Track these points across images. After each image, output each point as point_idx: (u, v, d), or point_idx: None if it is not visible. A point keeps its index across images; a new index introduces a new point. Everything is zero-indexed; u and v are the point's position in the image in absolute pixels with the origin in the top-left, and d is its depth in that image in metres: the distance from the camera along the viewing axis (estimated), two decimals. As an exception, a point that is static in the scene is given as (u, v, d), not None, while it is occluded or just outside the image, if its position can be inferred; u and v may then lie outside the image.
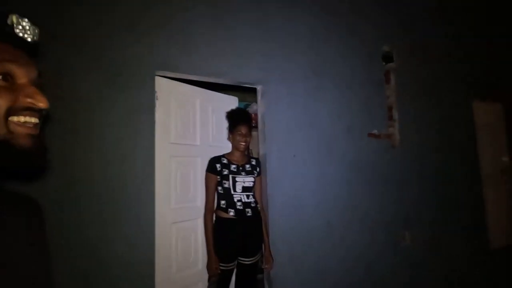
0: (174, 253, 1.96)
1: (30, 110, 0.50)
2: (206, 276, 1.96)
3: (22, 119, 0.49)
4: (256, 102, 2.45)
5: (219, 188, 1.97)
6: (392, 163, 2.78)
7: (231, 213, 1.93)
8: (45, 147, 0.53)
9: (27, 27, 0.52)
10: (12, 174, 0.54)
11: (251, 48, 2.22)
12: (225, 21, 2.14)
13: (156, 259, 1.76)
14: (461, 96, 3.43)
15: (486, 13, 3.77)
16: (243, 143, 2.00)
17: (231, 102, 2.41)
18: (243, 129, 2.00)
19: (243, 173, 2.01)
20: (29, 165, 0.51)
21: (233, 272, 1.96)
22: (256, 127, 2.41)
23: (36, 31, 0.53)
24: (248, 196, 1.99)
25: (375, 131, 2.73)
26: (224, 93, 2.43)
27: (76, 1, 1.69)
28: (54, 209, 1.48)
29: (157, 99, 1.88)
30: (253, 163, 2.09)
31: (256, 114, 2.43)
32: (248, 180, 2.00)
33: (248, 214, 1.96)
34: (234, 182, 1.96)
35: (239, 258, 1.95)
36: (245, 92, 2.67)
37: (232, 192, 1.95)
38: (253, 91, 2.34)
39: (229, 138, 2.10)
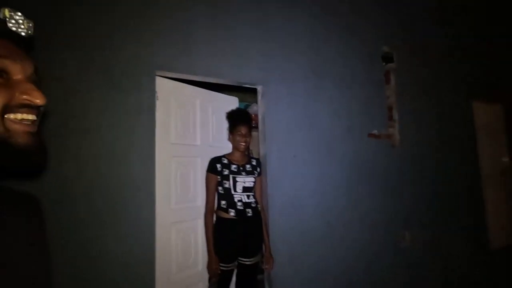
0: (174, 253, 1.95)
1: (27, 107, 0.48)
2: (206, 276, 1.95)
3: (19, 116, 0.47)
4: (256, 102, 2.45)
5: (220, 188, 1.96)
6: (392, 163, 2.78)
7: (232, 213, 1.93)
8: (44, 145, 0.51)
9: (21, 21, 0.50)
10: (10, 174, 0.52)
11: (251, 48, 2.22)
12: (225, 21, 2.14)
13: (156, 259, 1.76)
14: (461, 96, 3.44)
15: (486, 13, 3.77)
16: (243, 144, 2.00)
17: (231, 102, 2.40)
18: (243, 130, 2.00)
19: (243, 173, 2.01)
20: (28, 164, 0.50)
21: (233, 272, 1.96)
22: (256, 127, 2.41)
23: (31, 24, 0.51)
24: (248, 196, 1.99)
25: (375, 131, 2.73)
26: (224, 94, 2.43)
27: (76, 1, 1.69)
28: (53, 210, 1.48)
29: (157, 99, 1.87)
30: (254, 163, 2.09)
31: (256, 115, 2.43)
32: (248, 180, 2.00)
33: (249, 214, 1.96)
34: (235, 182, 1.96)
35: (240, 258, 1.95)
36: (245, 92, 2.67)
37: (233, 192, 1.95)
38: (253, 91, 2.34)
39: (229, 139, 2.09)
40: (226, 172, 1.96)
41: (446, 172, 3.14)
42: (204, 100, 2.24)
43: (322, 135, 2.46)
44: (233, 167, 2.00)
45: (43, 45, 1.56)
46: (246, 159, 2.09)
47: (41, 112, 0.52)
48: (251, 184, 2.01)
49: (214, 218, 1.97)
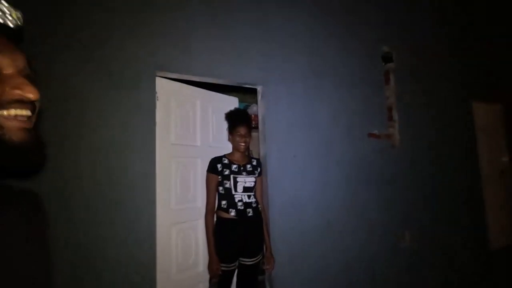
0: (174, 254, 1.95)
1: (20, 102, 0.46)
2: (207, 277, 1.95)
3: (12, 112, 0.45)
4: (256, 102, 2.45)
5: (220, 188, 1.96)
6: (392, 163, 2.79)
7: (232, 213, 1.93)
8: (42, 142, 0.49)
9: (8, 12, 0.47)
10: (7, 173, 0.50)
11: (251, 48, 2.22)
12: (225, 22, 2.14)
13: (156, 260, 1.76)
14: (461, 96, 3.44)
15: (486, 13, 3.78)
16: (243, 144, 2.00)
17: (231, 102, 2.40)
18: (242, 130, 2.00)
19: (244, 173, 2.01)
20: (24, 163, 0.48)
21: (234, 272, 1.95)
22: (256, 127, 2.40)
23: (19, 15, 0.48)
24: (249, 196, 1.99)
25: (375, 131, 2.73)
26: (224, 94, 2.43)
27: (76, 2, 1.69)
28: (53, 210, 1.48)
29: (157, 99, 1.87)
30: (254, 163, 2.09)
31: (256, 115, 2.43)
32: (249, 180, 2.00)
33: (249, 215, 1.96)
34: (235, 182, 1.96)
35: (240, 258, 1.95)
36: (245, 93, 2.67)
37: (233, 192, 1.95)
38: (253, 91, 2.34)
39: (229, 139, 2.09)
40: (226, 172, 1.96)
41: (446, 172, 3.14)
42: (204, 101, 2.24)
43: (322, 135, 2.46)
44: (234, 167, 1.99)
45: (43, 44, 1.56)
46: (247, 159, 2.09)
47: (38, 108, 0.50)
48: (252, 184, 2.01)
49: (215, 219, 1.97)
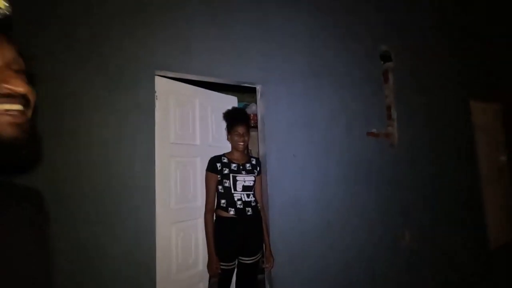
0: (174, 253, 1.95)
1: (10, 96, 0.44)
2: (207, 276, 1.95)
3: (3, 106, 0.44)
4: (255, 102, 2.45)
5: (220, 187, 1.96)
6: (391, 162, 2.79)
7: (231, 212, 1.93)
8: (36, 137, 0.48)
9: None
10: (1, 169, 0.49)
11: (250, 48, 2.22)
12: (225, 21, 2.15)
13: (156, 260, 1.75)
14: (459, 95, 3.46)
15: (484, 12, 3.80)
16: (241, 143, 2.00)
17: (231, 102, 2.40)
18: (240, 129, 2.00)
19: (243, 172, 2.01)
20: (16, 158, 0.46)
21: (233, 271, 1.95)
22: (254, 127, 2.40)
23: (7, 4, 0.46)
24: (248, 195, 1.99)
25: (374, 130, 2.74)
26: (224, 93, 2.43)
27: (74, 1, 1.68)
28: (51, 210, 1.46)
29: (156, 99, 1.87)
30: (253, 162, 2.09)
31: (255, 114, 2.43)
32: (248, 179, 2.00)
33: (249, 213, 1.95)
34: (235, 181, 1.96)
35: (240, 257, 1.95)
36: (244, 92, 2.67)
37: (233, 191, 1.95)
38: (252, 91, 2.34)
39: (228, 139, 2.09)
40: (226, 171, 1.96)
41: (445, 171, 3.15)
42: (203, 100, 2.24)
43: (321, 134, 2.47)
44: (233, 166, 1.99)
45: (42, 44, 1.56)
46: (246, 158, 2.09)
47: (32, 102, 0.48)
48: (251, 183, 2.01)
49: (214, 218, 1.97)
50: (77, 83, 1.64)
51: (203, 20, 2.06)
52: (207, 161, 2.00)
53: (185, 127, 2.10)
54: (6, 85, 0.44)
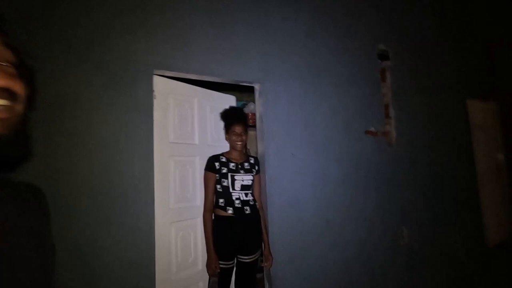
0: (174, 253, 1.95)
1: None
2: (206, 275, 1.95)
3: None
4: (253, 101, 2.45)
5: (218, 186, 1.96)
6: (389, 161, 2.80)
7: (230, 211, 1.93)
8: (23, 132, 0.47)
9: None
10: None
11: (248, 47, 2.22)
12: (223, 20, 2.14)
13: (156, 259, 1.75)
14: (456, 94, 3.47)
15: (482, 12, 3.82)
16: (239, 143, 2.00)
17: (229, 101, 2.41)
18: (238, 129, 2.00)
19: (241, 171, 2.01)
20: (2, 154, 0.44)
21: (233, 270, 1.96)
22: (253, 126, 2.40)
23: None
24: (246, 194, 1.99)
25: (372, 129, 2.75)
26: (222, 92, 2.43)
27: (74, 1, 1.68)
28: (51, 210, 1.46)
29: (155, 98, 1.87)
30: (252, 161, 2.10)
31: (253, 113, 2.43)
32: (247, 179, 2.00)
33: (247, 212, 1.96)
34: (233, 180, 1.96)
35: (238, 256, 1.95)
36: (242, 91, 2.67)
37: (231, 190, 1.95)
38: (251, 90, 2.34)
39: (226, 138, 2.10)
40: (224, 170, 1.96)
41: (442, 169, 3.17)
42: (202, 99, 2.24)
43: (320, 133, 2.47)
44: (232, 165, 2.00)
45: (40, 43, 1.55)
46: (244, 157, 2.09)
47: (21, 97, 0.46)
48: (249, 182, 2.01)
49: (213, 217, 1.97)
50: (74, 82, 1.63)
51: (201, 19, 2.06)
52: (206, 160, 2.01)
53: (184, 126, 2.10)
54: None
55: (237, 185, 1.97)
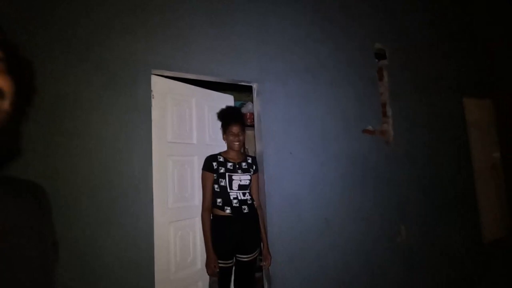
0: (173, 252, 1.95)
1: None
2: (205, 275, 1.95)
3: None
4: (251, 100, 2.45)
5: (216, 186, 1.97)
6: (386, 159, 2.82)
7: (227, 210, 1.93)
8: (11, 129, 0.46)
9: None
10: None
11: (246, 46, 2.23)
12: (222, 20, 2.15)
13: (155, 259, 1.75)
14: (453, 92, 3.50)
15: (478, 11, 3.84)
16: (237, 143, 2.01)
17: (227, 100, 2.41)
18: (235, 129, 2.00)
19: (239, 171, 2.01)
20: None
21: (232, 269, 1.96)
22: (250, 125, 2.41)
23: None
24: (244, 194, 2.00)
25: (369, 127, 2.77)
26: (220, 92, 2.44)
27: (73, 1, 1.67)
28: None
29: (153, 97, 1.87)
30: (249, 161, 2.10)
31: (251, 113, 2.43)
32: (244, 178, 2.01)
33: (245, 211, 1.97)
34: (231, 180, 1.97)
35: (237, 255, 1.96)
36: (240, 91, 2.68)
37: (229, 190, 1.96)
38: (249, 89, 2.35)
39: (223, 138, 2.10)
40: (222, 170, 1.97)
41: (439, 167, 3.19)
42: (200, 99, 2.24)
43: (318, 132, 2.48)
44: (229, 165, 2.00)
45: (38, 43, 1.55)
46: (242, 157, 2.09)
47: (6, 93, 0.45)
48: (247, 182, 2.02)
49: (211, 216, 1.98)
50: (72, 82, 1.62)
51: (200, 18, 2.06)
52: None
53: (182, 126, 2.10)
54: None
55: (235, 185, 1.97)
